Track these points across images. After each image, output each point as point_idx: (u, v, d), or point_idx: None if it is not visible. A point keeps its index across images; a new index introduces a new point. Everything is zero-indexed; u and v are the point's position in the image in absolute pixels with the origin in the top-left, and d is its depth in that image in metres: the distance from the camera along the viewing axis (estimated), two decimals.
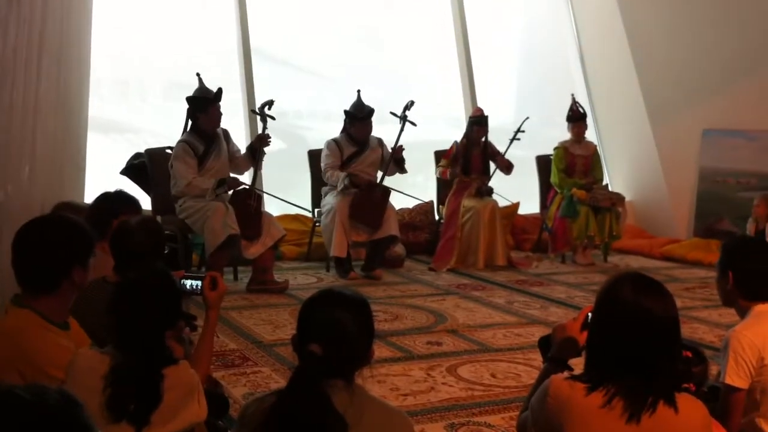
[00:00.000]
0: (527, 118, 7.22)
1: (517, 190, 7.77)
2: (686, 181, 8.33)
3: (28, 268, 2.34)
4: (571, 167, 7.40)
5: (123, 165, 6.23)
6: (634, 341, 1.94)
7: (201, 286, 2.70)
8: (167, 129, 5.99)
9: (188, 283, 2.72)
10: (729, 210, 8.01)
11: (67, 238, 2.36)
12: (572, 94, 7.57)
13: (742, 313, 2.71)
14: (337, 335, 1.88)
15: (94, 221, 2.85)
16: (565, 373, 2.11)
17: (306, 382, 1.82)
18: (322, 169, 6.53)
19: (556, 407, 1.97)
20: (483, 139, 7.12)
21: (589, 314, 2.27)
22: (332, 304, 1.95)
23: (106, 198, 3.49)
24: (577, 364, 2.23)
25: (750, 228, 6.91)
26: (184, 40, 7.61)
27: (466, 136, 7.13)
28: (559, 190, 7.39)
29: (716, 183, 8.19)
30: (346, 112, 6.56)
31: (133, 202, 3.48)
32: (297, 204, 6.61)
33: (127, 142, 7.45)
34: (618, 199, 7.43)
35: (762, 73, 7.72)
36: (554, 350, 2.33)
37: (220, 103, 5.83)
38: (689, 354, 2.21)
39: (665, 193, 8.46)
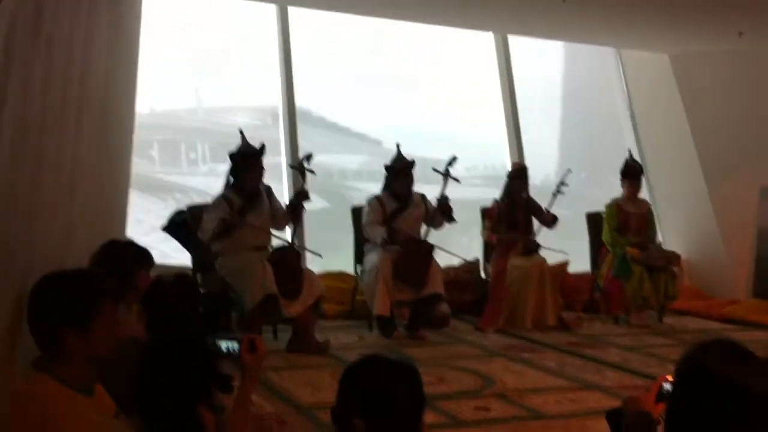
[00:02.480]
0: (569, 170, 7.01)
1: (565, 249, 7.52)
2: (745, 240, 8.02)
3: (35, 330, 2.15)
4: (625, 225, 7.14)
5: (165, 222, 6.16)
6: (728, 423, 1.69)
7: (238, 349, 2.51)
8: (214, 189, 5.93)
9: (224, 345, 2.54)
10: None
11: (56, 296, 2.13)
12: (629, 149, 7.40)
13: None
14: (383, 408, 1.69)
15: (115, 276, 2.64)
16: None
17: None
18: (364, 225, 6.38)
19: None
20: (524, 195, 6.92)
21: (664, 384, 2.04)
22: (377, 372, 1.76)
23: (120, 249, 3.31)
24: None
25: None
26: (231, 101, 7.65)
27: (507, 192, 6.93)
28: (611, 249, 7.14)
29: None
30: (386, 167, 6.44)
31: (149, 256, 3.32)
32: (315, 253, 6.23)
33: (175, 202, 7.43)
34: (674, 257, 7.16)
35: None
36: (626, 426, 2.08)
37: (263, 159, 5.74)
38: None
39: (723, 253, 8.14)
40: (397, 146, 6.43)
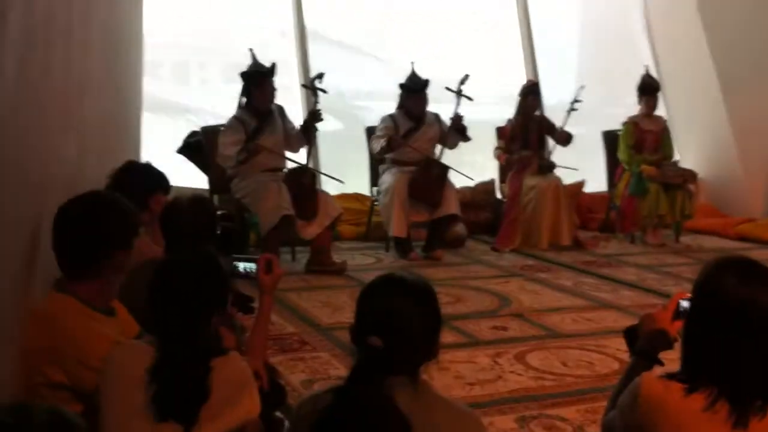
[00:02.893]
0: (583, 86, 6.82)
1: (581, 169, 7.45)
2: (762, 157, 7.90)
3: (67, 251, 2.18)
4: (641, 143, 7.05)
5: (179, 144, 6.14)
6: (742, 338, 1.68)
7: (255, 270, 2.53)
8: (227, 109, 5.88)
9: (241, 266, 2.55)
10: None
11: (108, 218, 2.19)
12: (645, 65, 7.23)
13: None
14: (399, 326, 1.69)
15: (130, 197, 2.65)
16: (658, 371, 1.88)
17: (365, 380, 1.63)
18: (372, 140, 6.34)
19: (650, 410, 1.73)
20: (538, 112, 6.82)
21: (681, 302, 2.03)
22: (394, 292, 1.75)
23: (137, 171, 3.31)
24: (669, 359, 2.00)
25: None
26: (241, 22, 7.53)
27: (520, 110, 6.84)
28: (627, 167, 7.06)
29: None
30: (401, 85, 6.36)
31: (166, 180, 3.33)
32: (335, 179, 6.23)
33: (188, 123, 7.38)
34: (690, 175, 7.08)
35: None
36: (642, 342, 2.07)
37: (275, 79, 5.68)
38: None
39: (740, 171, 8.04)
40: (412, 65, 6.33)
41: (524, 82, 7.23)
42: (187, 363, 1.89)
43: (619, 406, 1.86)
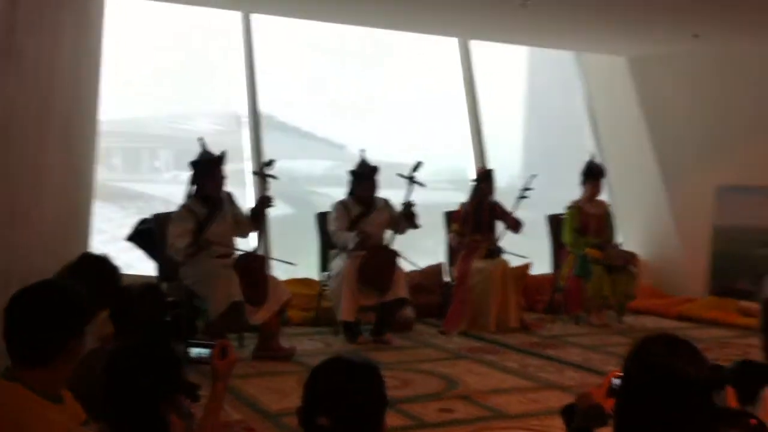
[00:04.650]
0: (534, 175, 7.10)
1: (527, 252, 7.65)
2: (701, 239, 8.20)
3: (19, 340, 2.21)
4: (585, 226, 7.28)
5: (129, 232, 6.16)
6: (668, 406, 1.80)
7: (208, 355, 2.57)
8: (178, 197, 5.95)
9: (195, 351, 2.59)
10: (745, 267, 7.85)
11: (61, 308, 2.24)
12: (592, 152, 7.52)
13: None
14: (346, 407, 1.76)
15: (97, 287, 2.71)
16: None
17: None
18: (331, 232, 6.45)
19: None
20: (490, 198, 7.04)
21: (614, 380, 2.13)
22: (340, 373, 1.83)
23: (100, 262, 3.36)
24: None
25: None
26: (193, 108, 7.66)
27: (473, 195, 7.04)
28: (571, 250, 7.27)
29: (731, 240, 8.05)
30: (351, 172, 6.51)
31: (119, 270, 3.38)
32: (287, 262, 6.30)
33: (138, 210, 7.42)
34: (632, 257, 7.31)
35: None
36: (579, 419, 2.18)
37: (224, 167, 5.77)
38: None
39: (680, 252, 8.33)
40: (361, 152, 6.51)
41: (475, 167, 7.46)
42: None
43: None
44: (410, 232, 6.63)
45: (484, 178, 7.06)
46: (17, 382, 2.19)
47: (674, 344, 1.88)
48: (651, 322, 7.31)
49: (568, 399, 4.54)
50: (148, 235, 6.11)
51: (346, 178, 6.60)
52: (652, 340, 1.92)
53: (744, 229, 7.99)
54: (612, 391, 2.12)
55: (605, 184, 7.76)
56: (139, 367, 2.03)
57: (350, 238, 6.26)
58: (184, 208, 5.72)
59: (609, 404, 2.12)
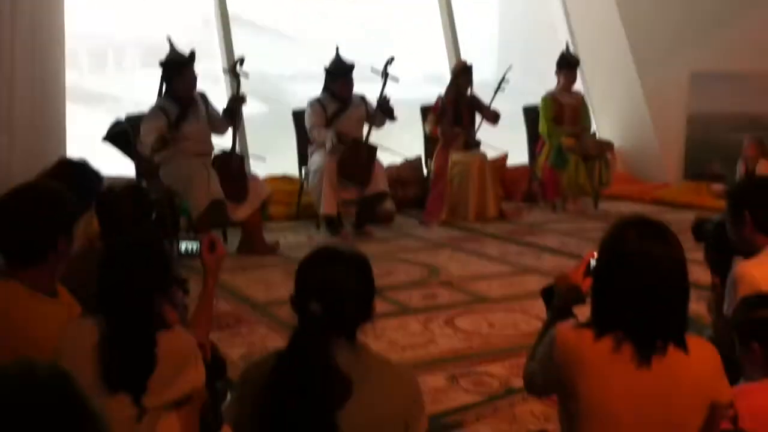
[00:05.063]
0: (510, 67, 7.09)
1: (505, 143, 7.70)
2: (675, 125, 8.27)
3: (10, 241, 2.25)
4: (560, 116, 7.32)
5: (104, 133, 6.11)
6: (641, 287, 1.88)
7: (198, 249, 2.63)
8: (147, 97, 5.87)
9: (185, 246, 2.65)
10: (718, 152, 7.96)
11: (50, 207, 2.27)
12: (566, 41, 7.49)
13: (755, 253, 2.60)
14: (337, 292, 1.82)
15: (79, 190, 2.73)
16: (571, 321, 2.07)
17: (307, 342, 1.77)
18: (308, 129, 6.44)
19: (564, 356, 1.92)
20: (468, 92, 7.03)
21: (591, 261, 2.21)
22: (330, 261, 1.89)
23: (76, 168, 3.35)
24: (582, 313, 2.19)
25: (740, 169, 6.90)
26: (160, 7, 7.47)
27: (452, 88, 7.03)
28: (547, 140, 7.33)
29: (705, 126, 8.13)
30: (326, 69, 6.44)
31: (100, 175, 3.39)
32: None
33: (109, 112, 7.32)
34: (607, 146, 7.39)
35: (748, 15, 7.61)
36: (558, 299, 2.27)
37: (195, 67, 5.70)
38: None
39: (654, 139, 8.40)
40: (337, 49, 6.42)
41: (451, 62, 7.40)
42: (133, 337, 2.00)
43: (538, 355, 2.05)
44: (388, 127, 6.64)
45: (463, 72, 7.03)
46: (13, 281, 2.24)
47: (647, 226, 1.96)
48: (626, 208, 7.44)
49: (545, 282, 4.70)
50: (123, 135, 6.07)
51: (319, 75, 6.53)
52: (626, 222, 1.99)
53: (717, 115, 8.06)
54: (589, 271, 2.20)
55: (580, 74, 7.76)
56: (134, 261, 2.08)
57: (328, 137, 6.26)
58: (157, 107, 5.68)
59: (586, 284, 2.20)
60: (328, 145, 6.24)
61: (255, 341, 3.88)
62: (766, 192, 2.64)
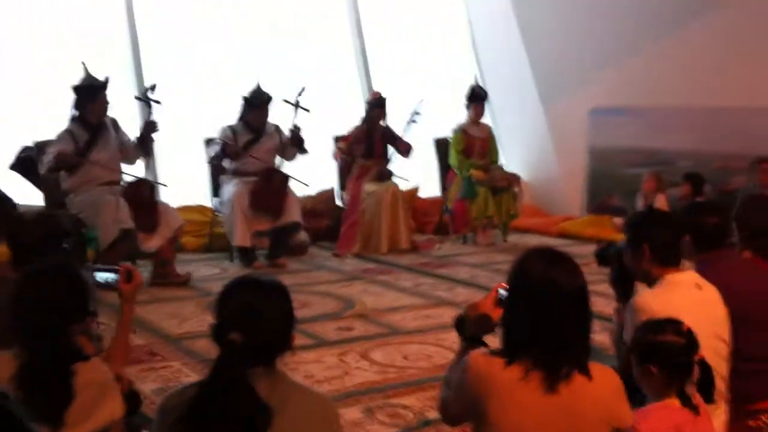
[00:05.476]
0: (422, 100, 7.26)
1: (417, 175, 7.84)
2: (577, 159, 8.59)
3: None
4: (470, 149, 7.52)
5: (12, 160, 5.95)
6: (545, 313, 1.99)
7: (115, 279, 2.62)
8: (59, 122, 5.75)
9: (101, 276, 2.64)
10: (618, 186, 8.31)
11: None
12: (475, 75, 7.72)
13: (652, 284, 2.74)
14: (257, 321, 1.86)
15: None
16: (482, 349, 2.16)
17: (228, 371, 1.80)
18: (207, 152, 6.51)
19: (476, 382, 2.00)
20: (382, 123, 7.16)
21: (500, 290, 2.32)
22: (250, 291, 1.93)
23: None
24: (493, 341, 2.28)
25: (640, 203, 7.21)
26: (72, 31, 7.35)
27: (366, 120, 7.15)
28: (457, 172, 7.51)
29: (605, 160, 8.48)
30: (244, 98, 6.47)
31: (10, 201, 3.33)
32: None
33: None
34: (514, 178, 7.62)
35: (645, 52, 7.99)
36: (469, 328, 2.37)
37: (107, 93, 5.65)
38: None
39: (558, 172, 8.71)
40: (257, 82, 6.45)
41: (366, 93, 7.52)
42: (49, 368, 1.98)
43: (452, 383, 2.13)
44: (301, 159, 6.68)
45: (377, 104, 7.16)
46: None
47: (552, 257, 2.08)
48: (533, 240, 7.66)
49: (458, 313, 4.84)
50: (31, 163, 5.92)
51: (233, 103, 6.54)
52: (532, 253, 2.11)
53: (617, 149, 8.41)
54: (499, 302, 2.30)
55: (488, 108, 8.00)
56: (50, 290, 2.07)
57: (214, 148, 6.39)
58: (66, 131, 5.60)
59: (496, 313, 2.31)
60: (212, 154, 6.42)
61: (169, 376, 3.84)
62: (664, 226, 2.79)
